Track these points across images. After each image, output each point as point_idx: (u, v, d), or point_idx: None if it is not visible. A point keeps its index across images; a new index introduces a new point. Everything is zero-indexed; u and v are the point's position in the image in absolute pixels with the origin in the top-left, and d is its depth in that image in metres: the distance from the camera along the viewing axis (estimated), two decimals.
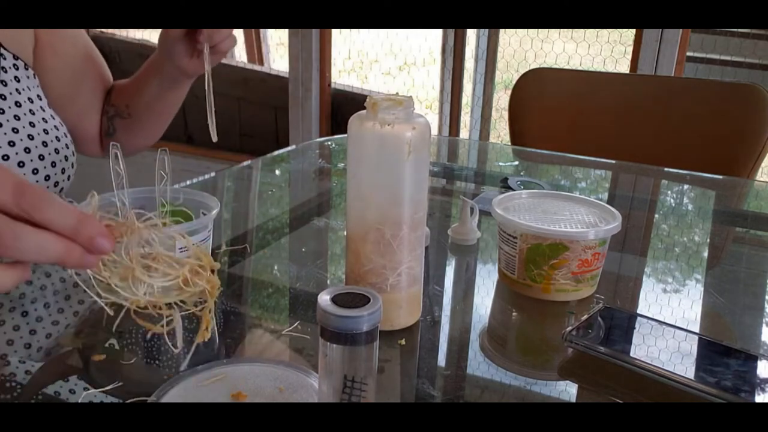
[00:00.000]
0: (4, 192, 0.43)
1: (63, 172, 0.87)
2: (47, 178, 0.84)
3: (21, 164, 0.81)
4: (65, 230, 0.44)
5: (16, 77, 0.84)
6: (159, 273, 0.47)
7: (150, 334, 0.59)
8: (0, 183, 0.43)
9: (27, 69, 0.86)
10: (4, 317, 0.64)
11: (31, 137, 0.82)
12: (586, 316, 0.64)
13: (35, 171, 0.82)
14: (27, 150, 0.81)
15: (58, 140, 0.86)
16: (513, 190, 1.06)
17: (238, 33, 3.22)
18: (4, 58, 0.83)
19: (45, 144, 0.83)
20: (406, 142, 0.57)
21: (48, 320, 0.64)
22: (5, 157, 0.80)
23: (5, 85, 0.82)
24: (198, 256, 0.49)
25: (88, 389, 0.53)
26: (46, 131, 0.84)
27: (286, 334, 0.63)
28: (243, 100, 2.63)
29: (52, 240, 0.43)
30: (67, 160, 0.87)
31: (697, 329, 0.67)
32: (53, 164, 0.84)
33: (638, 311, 0.70)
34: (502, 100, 2.41)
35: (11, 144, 0.80)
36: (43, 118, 0.85)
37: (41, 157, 0.83)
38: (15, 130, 0.81)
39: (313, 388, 0.52)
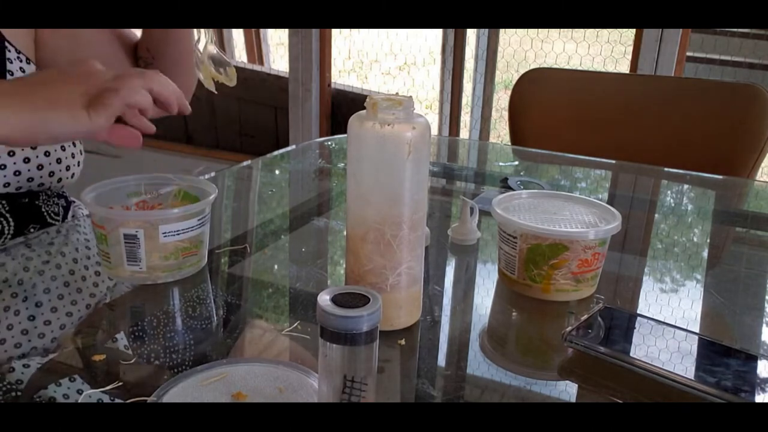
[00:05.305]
0: (108, 73, 0.66)
1: (68, 170, 0.87)
2: (51, 174, 0.85)
3: (26, 160, 0.82)
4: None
5: (21, 69, 0.84)
6: None
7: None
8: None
9: (29, 63, 0.86)
10: (19, 307, 0.64)
11: None
12: (586, 316, 0.64)
13: (40, 167, 0.83)
14: (33, 146, 0.82)
15: None
16: (513, 190, 1.06)
17: (238, 33, 3.22)
18: (9, 51, 0.83)
19: None
20: (406, 142, 0.57)
21: (62, 311, 0.64)
22: (11, 153, 0.80)
23: (12, 74, 0.82)
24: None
25: (89, 389, 0.53)
26: None
27: (286, 334, 0.63)
28: (243, 100, 2.63)
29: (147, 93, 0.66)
30: (72, 156, 0.88)
31: (697, 329, 0.67)
32: (58, 161, 0.86)
33: (638, 311, 0.70)
34: (502, 100, 2.41)
35: None
36: None
37: (47, 154, 0.84)
38: None
39: (313, 388, 0.52)
